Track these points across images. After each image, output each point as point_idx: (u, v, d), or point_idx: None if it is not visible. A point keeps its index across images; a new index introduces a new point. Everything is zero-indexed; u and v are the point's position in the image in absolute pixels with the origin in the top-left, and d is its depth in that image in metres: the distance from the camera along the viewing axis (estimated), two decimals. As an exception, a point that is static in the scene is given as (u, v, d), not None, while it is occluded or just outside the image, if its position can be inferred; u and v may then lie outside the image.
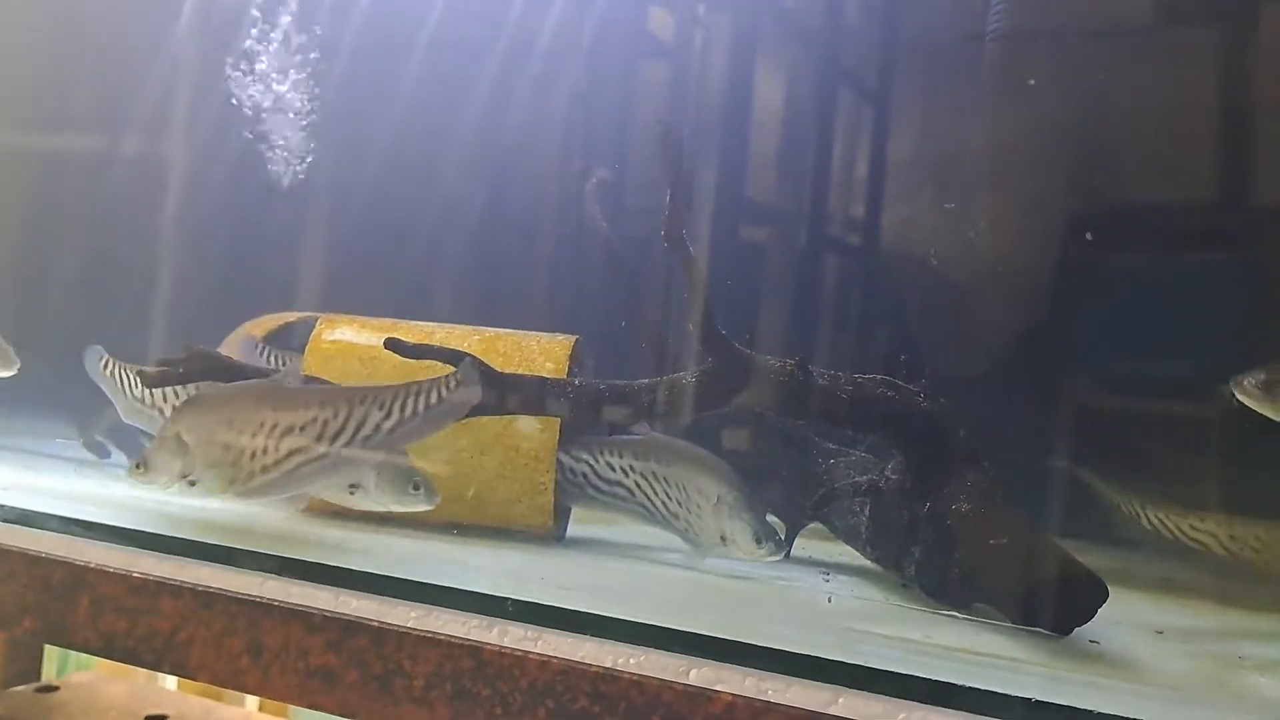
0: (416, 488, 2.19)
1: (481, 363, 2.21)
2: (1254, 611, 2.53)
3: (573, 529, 2.67)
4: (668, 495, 2.48)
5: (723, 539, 2.37)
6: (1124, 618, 2.33)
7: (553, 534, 2.55)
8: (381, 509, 2.22)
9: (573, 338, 2.60)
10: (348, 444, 2.13)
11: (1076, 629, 1.90)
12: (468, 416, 2.26)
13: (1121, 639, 2.04)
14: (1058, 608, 1.89)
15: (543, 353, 2.54)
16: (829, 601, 2.19)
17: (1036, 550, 1.98)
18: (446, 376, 2.17)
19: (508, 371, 2.30)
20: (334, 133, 3.57)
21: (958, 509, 2.13)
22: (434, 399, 2.16)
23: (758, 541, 2.34)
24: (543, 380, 2.29)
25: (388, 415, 2.13)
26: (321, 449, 2.12)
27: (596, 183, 2.94)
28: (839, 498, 2.43)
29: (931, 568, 2.19)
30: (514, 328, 2.68)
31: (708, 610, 2.10)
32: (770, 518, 2.46)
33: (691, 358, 2.33)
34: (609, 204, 2.93)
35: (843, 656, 1.65)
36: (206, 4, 3.69)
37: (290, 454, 2.13)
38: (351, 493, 2.20)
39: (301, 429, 2.14)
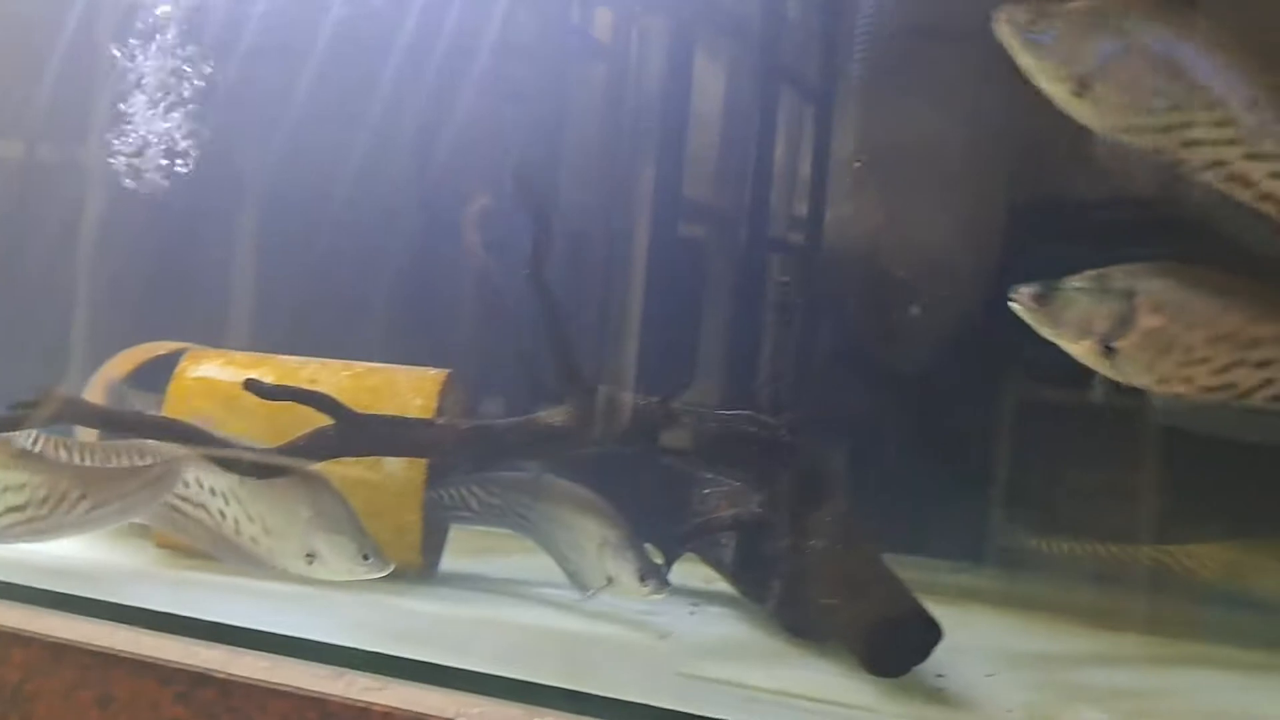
0: (367, 557, 2.19)
1: (335, 401, 2.21)
2: (1135, 633, 2.58)
3: (451, 563, 2.67)
4: (558, 537, 2.50)
5: (609, 579, 2.38)
6: (989, 646, 2.38)
7: (423, 571, 2.55)
8: (337, 579, 2.23)
9: (444, 372, 2.59)
10: (49, 515, 2.16)
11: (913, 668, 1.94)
12: (330, 458, 2.25)
13: (973, 671, 2.08)
14: (889, 650, 1.91)
15: (412, 388, 2.54)
16: (662, 639, 2.21)
17: (875, 589, 2.01)
18: (151, 466, 2.22)
19: (370, 413, 2.29)
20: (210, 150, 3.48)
21: (813, 545, 2.16)
22: (133, 487, 2.20)
23: (641, 580, 2.36)
24: (403, 421, 2.29)
25: (84, 497, 2.16)
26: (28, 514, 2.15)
27: (478, 210, 2.93)
28: (706, 531, 2.45)
29: (789, 603, 2.22)
30: (404, 358, 2.68)
31: (555, 654, 2.11)
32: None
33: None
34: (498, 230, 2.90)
35: (679, 704, 1.66)
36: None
37: (5, 512, 2.16)
38: (309, 563, 2.20)
39: (15, 490, 2.16)
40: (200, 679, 1.88)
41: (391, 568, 2.21)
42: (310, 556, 2.19)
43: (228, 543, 2.24)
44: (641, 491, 2.71)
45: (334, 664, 1.85)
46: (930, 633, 1.91)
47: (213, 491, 2.23)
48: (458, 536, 2.71)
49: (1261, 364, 1.81)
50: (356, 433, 2.23)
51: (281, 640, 1.93)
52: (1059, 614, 2.73)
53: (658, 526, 2.66)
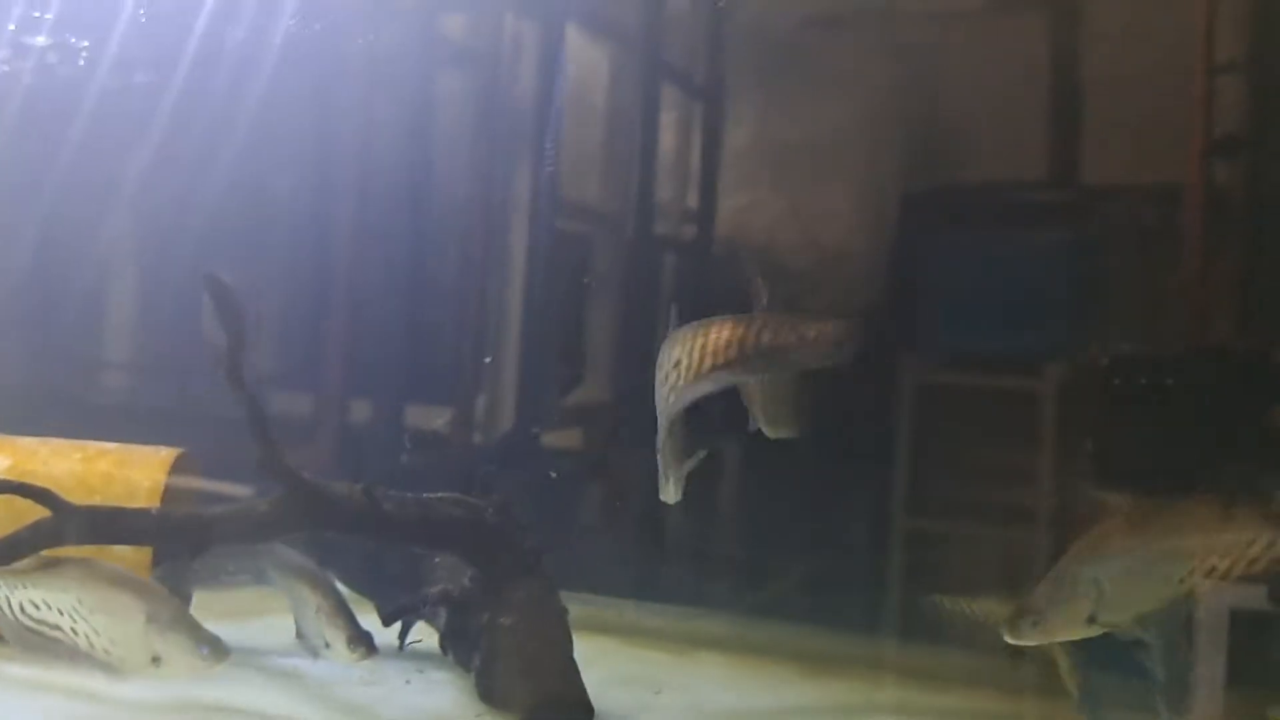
0: (206, 650, 2.24)
1: (50, 494, 2.30)
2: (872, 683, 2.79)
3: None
4: (290, 602, 2.64)
5: (326, 644, 2.54)
6: (695, 704, 2.59)
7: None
8: (184, 677, 2.28)
9: (175, 452, 2.71)
10: None
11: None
12: (46, 549, 2.35)
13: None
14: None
15: (141, 471, 2.65)
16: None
17: (543, 668, 2.19)
18: None
19: (86, 504, 2.38)
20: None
21: (504, 621, 2.34)
22: None
23: (350, 646, 2.52)
24: (118, 511, 2.39)
25: None
26: None
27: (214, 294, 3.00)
28: (416, 606, 2.61)
29: (486, 675, 2.40)
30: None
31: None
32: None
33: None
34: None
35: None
36: None
37: None
38: (156, 666, 2.23)
39: None
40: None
41: (229, 655, 2.27)
42: (155, 660, 2.23)
43: (87, 659, 2.27)
44: (379, 559, 2.87)
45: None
46: (585, 715, 2.10)
47: (60, 611, 2.26)
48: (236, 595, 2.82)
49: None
50: (72, 523, 2.32)
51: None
52: (811, 663, 2.91)
53: (392, 594, 2.81)
